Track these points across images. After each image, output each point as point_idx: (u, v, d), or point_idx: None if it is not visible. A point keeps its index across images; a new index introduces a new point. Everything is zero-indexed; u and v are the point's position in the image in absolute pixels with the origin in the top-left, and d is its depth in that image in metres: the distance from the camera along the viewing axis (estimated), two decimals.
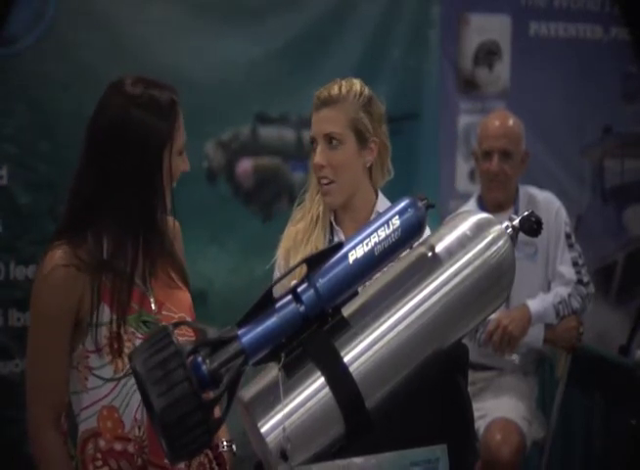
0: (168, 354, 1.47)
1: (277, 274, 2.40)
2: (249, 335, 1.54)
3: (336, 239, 2.30)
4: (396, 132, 4.02)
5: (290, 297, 1.57)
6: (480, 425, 3.23)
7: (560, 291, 3.38)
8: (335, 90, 2.33)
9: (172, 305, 2.13)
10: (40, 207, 3.49)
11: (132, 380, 1.99)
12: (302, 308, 1.56)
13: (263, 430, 1.52)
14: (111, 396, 2.06)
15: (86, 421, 2.07)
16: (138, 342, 2.03)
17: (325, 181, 2.33)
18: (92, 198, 2.06)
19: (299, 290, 1.57)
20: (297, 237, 2.39)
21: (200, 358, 1.50)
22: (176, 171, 2.09)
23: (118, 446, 2.06)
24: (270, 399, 1.54)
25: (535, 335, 3.34)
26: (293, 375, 1.55)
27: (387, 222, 1.64)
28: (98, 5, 3.61)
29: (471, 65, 4.37)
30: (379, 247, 1.61)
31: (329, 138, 2.31)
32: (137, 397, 1.99)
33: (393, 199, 1.73)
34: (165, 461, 2.00)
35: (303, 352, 1.56)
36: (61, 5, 3.51)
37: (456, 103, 4.34)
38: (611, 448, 3.88)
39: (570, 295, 3.38)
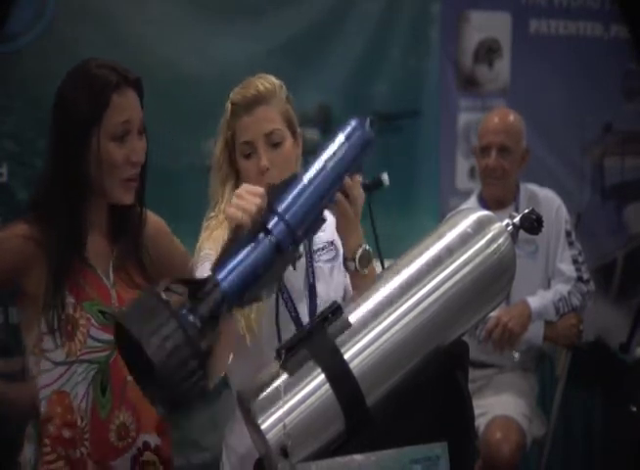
0: (158, 308, 1.45)
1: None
2: (227, 278, 1.52)
3: None
4: (396, 130, 4.04)
5: (259, 232, 1.57)
6: (481, 423, 3.23)
7: (560, 288, 3.38)
8: (260, 87, 2.12)
9: None
10: None
11: (82, 367, 1.99)
12: (273, 238, 1.56)
13: (264, 427, 1.52)
14: (60, 380, 2.01)
15: (42, 405, 2.03)
16: (93, 330, 2.01)
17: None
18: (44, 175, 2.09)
19: (266, 222, 1.57)
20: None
21: (184, 311, 1.48)
22: (107, 156, 2.03)
23: (67, 433, 2.01)
24: (270, 396, 1.54)
25: (535, 332, 3.34)
26: (293, 372, 1.55)
27: (332, 139, 1.68)
28: (98, 3, 3.60)
29: (471, 62, 4.36)
30: (330, 162, 1.65)
31: (270, 138, 2.10)
32: (84, 386, 1.99)
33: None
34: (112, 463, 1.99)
35: (304, 349, 1.56)
36: (61, 3, 3.50)
37: (456, 100, 4.33)
38: (611, 445, 3.89)
39: (569, 292, 3.38)
